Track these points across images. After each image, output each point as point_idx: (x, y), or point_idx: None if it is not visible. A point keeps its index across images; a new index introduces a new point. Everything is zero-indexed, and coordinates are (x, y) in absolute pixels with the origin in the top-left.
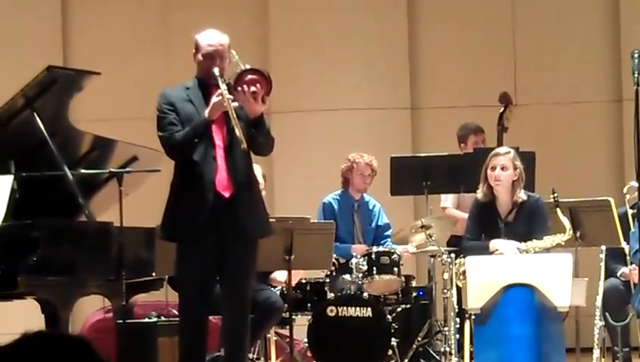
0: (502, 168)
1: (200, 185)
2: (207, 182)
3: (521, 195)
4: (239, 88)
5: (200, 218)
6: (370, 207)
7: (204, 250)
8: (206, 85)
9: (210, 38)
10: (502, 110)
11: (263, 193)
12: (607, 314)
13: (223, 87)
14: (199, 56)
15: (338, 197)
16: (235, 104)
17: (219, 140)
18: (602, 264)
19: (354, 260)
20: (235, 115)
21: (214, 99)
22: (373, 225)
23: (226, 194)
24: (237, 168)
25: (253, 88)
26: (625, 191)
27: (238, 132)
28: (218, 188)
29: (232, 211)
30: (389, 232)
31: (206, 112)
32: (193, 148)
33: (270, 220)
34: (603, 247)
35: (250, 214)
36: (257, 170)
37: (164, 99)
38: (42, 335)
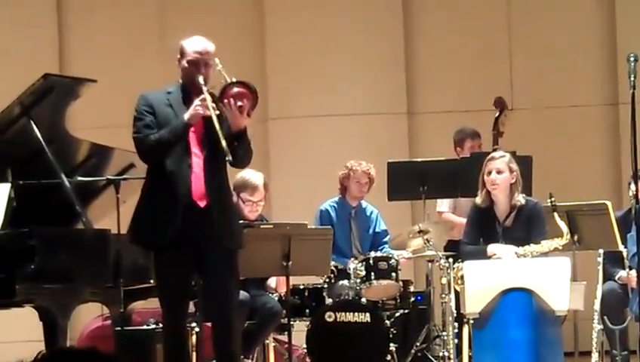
0: (497, 172)
1: (175, 193)
2: (183, 191)
3: (520, 199)
4: (225, 101)
5: (173, 225)
6: (368, 214)
7: (179, 259)
8: (188, 92)
9: (196, 44)
10: (497, 114)
11: (262, 203)
12: (605, 317)
13: (207, 96)
14: (184, 62)
15: (335, 204)
16: (218, 112)
17: (196, 149)
18: (600, 267)
19: (351, 266)
20: (218, 125)
21: (196, 102)
22: (371, 231)
23: (202, 204)
24: (214, 178)
25: (239, 103)
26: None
27: (224, 143)
28: (194, 198)
29: (206, 221)
30: (386, 238)
31: (186, 116)
32: (168, 152)
33: (267, 226)
34: (601, 251)
35: (225, 225)
36: (260, 177)
37: (144, 101)
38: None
